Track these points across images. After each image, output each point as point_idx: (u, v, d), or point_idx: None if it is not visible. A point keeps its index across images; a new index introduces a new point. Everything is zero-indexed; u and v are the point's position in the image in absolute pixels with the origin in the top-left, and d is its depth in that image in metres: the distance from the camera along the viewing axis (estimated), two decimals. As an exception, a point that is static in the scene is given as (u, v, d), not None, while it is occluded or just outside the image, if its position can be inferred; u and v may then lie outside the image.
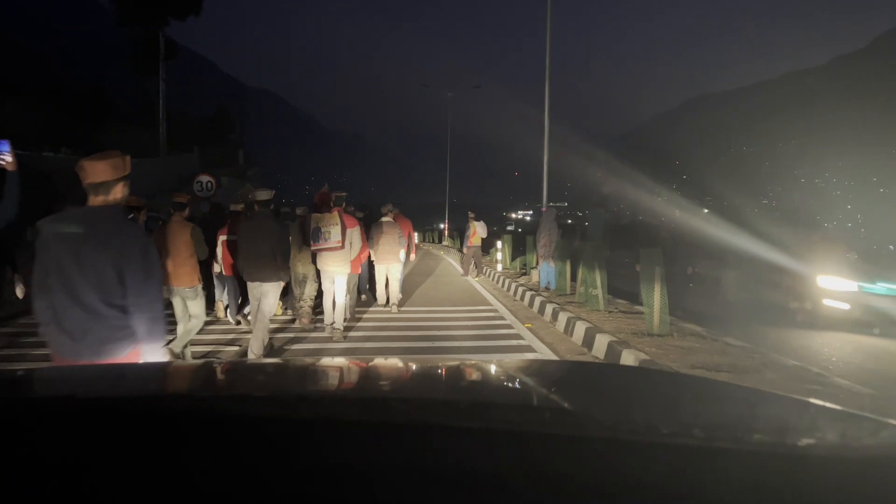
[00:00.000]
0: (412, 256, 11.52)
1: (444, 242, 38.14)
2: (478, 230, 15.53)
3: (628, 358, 5.76)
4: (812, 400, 1.12)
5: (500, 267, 16.71)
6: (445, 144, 42.35)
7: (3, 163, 3.28)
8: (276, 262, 6.13)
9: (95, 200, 2.56)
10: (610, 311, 8.72)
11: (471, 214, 15.85)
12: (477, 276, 16.06)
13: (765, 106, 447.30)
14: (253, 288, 6.37)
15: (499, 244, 17.27)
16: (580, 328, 7.60)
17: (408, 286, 14.09)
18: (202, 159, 34.80)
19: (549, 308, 9.44)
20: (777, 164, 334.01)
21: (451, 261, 24.03)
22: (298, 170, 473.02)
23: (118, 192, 2.60)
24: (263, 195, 6.37)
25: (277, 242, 6.15)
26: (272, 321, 7.26)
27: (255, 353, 6.21)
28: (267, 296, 6.23)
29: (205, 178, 14.52)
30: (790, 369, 5.31)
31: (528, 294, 11.14)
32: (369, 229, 9.76)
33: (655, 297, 6.97)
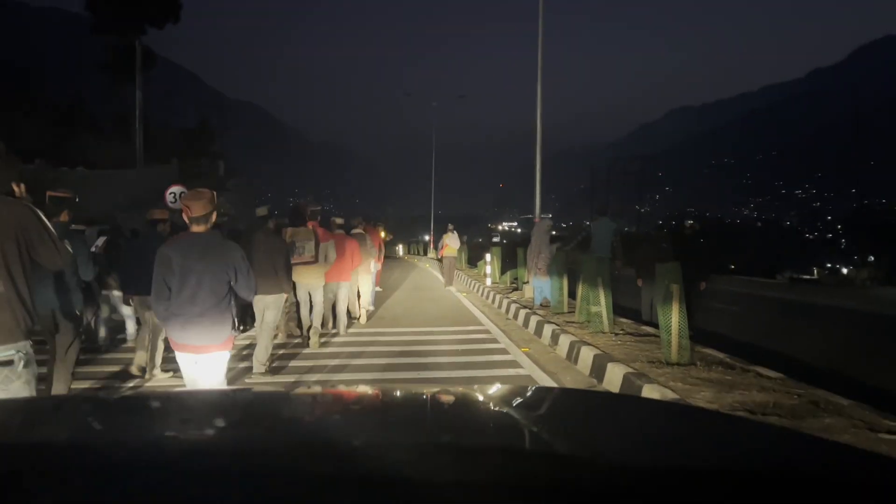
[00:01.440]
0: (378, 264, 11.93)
1: (430, 255, 37.31)
2: (448, 242, 16.90)
3: (651, 395, 4.86)
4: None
5: (489, 281, 15.80)
6: (431, 156, 41.66)
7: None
8: (278, 276, 6.43)
9: (198, 228, 3.61)
10: (616, 334, 7.83)
11: (450, 227, 17.31)
12: (449, 285, 16.87)
13: (744, 116, 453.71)
14: (257, 301, 6.37)
15: (487, 257, 16.38)
16: (586, 354, 6.69)
17: (391, 302, 13.20)
18: (182, 172, 33.91)
19: (547, 329, 8.53)
20: (756, 174, 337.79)
21: (437, 274, 23.07)
22: (283, 183, 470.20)
23: (212, 220, 3.67)
24: (261, 211, 6.80)
25: (277, 256, 6.48)
26: (246, 337, 7.92)
27: (260, 361, 6.35)
28: (270, 308, 6.44)
29: (177, 189, 14.18)
30: (846, 409, 4.43)
31: (523, 312, 10.23)
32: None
33: (674, 321, 6.09)
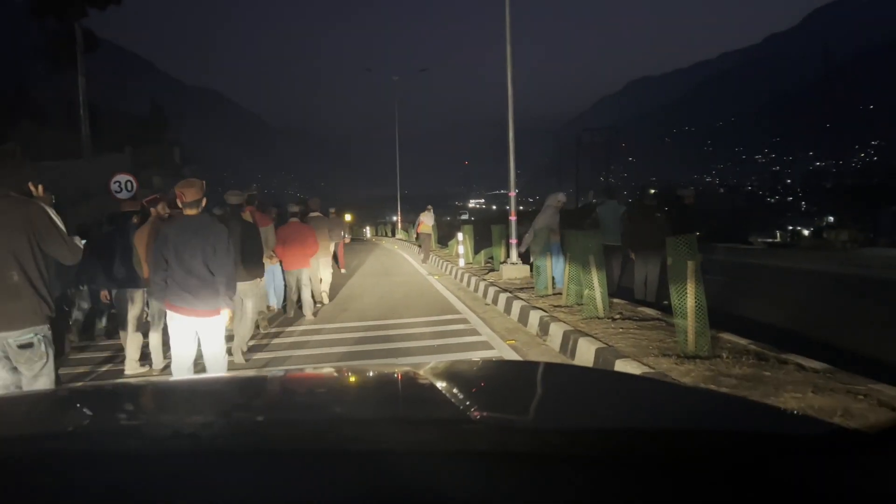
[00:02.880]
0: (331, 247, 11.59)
1: (398, 235, 36.08)
2: (423, 219, 18.48)
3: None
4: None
5: (462, 262, 14.73)
6: (395, 136, 40.20)
7: None
8: (251, 261, 6.41)
9: (191, 211, 4.25)
10: (614, 319, 6.82)
11: (428, 207, 18.72)
12: (424, 261, 17.86)
13: (702, 84, 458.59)
14: None
15: (459, 236, 15.27)
16: (586, 348, 5.65)
17: (357, 289, 12.06)
18: (134, 160, 32.08)
19: (533, 316, 7.50)
20: (717, 141, 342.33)
21: (405, 255, 21.83)
22: (243, 168, 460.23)
23: (202, 204, 4.31)
24: (233, 199, 6.68)
25: (250, 242, 6.47)
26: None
27: (240, 348, 6.38)
28: (247, 295, 6.45)
29: (123, 178, 12.85)
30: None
31: (503, 297, 9.18)
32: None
33: (690, 303, 5.09)
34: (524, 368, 2.09)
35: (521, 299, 8.59)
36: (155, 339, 5.98)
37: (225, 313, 4.32)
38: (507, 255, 12.00)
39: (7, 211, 3.09)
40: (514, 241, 11.67)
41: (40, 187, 3.28)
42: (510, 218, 11.87)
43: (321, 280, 10.12)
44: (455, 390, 1.18)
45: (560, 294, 8.81)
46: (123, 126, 42.45)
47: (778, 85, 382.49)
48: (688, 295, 5.11)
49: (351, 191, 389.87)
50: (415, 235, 19.40)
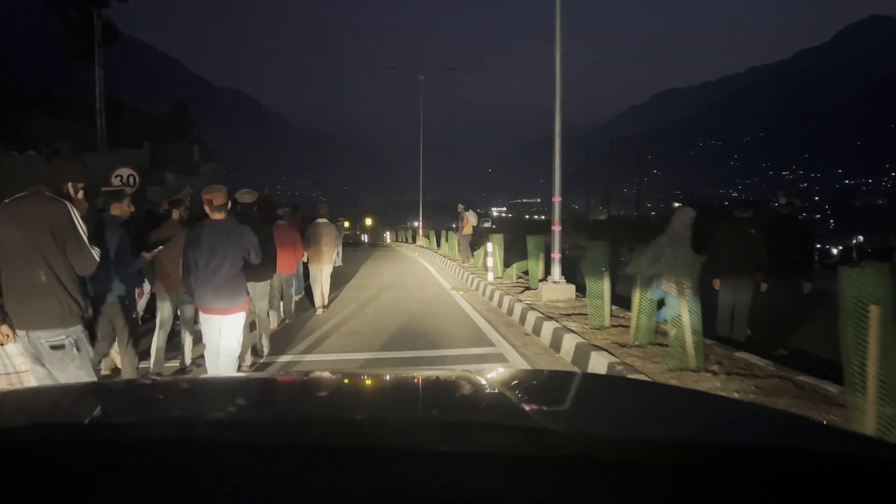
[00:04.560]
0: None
1: (419, 242, 34.40)
2: (470, 219, 17.35)
3: None
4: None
5: (490, 276, 12.91)
6: (419, 138, 38.54)
7: None
8: (263, 263, 5.85)
9: (219, 216, 4.51)
10: (713, 372, 4.98)
11: (461, 206, 17.74)
12: (465, 263, 17.22)
13: (730, 97, 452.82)
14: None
15: (488, 247, 13.41)
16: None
17: (367, 306, 10.29)
18: (154, 156, 31.08)
19: (596, 360, 5.65)
20: (744, 156, 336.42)
21: (426, 265, 19.99)
22: (268, 170, 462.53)
23: (228, 208, 4.58)
24: (245, 197, 6.57)
25: (263, 244, 5.74)
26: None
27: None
28: (256, 296, 6.36)
29: (125, 171, 12.01)
30: None
31: (548, 326, 7.35)
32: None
33: (871, 374, 3.25)
34: (563, 377, 1.89)
35: (573, 332, 6.78)
36: (162, 338, 5.80)
37: (242, 311, 4.67)
38: (548, 272, 10.20)
39: (34, 209, 3.06)
40: (556, 255, 9.88)
41: (80, 192, 3.24)
42: (553, 228, 9.96)
43: (322, 287, 9.72)
44: (505, 395, 1.24)
45: (621, 326, 7.00)
46: (147, 123, 41.63)
47: (807, 101, 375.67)
48: (869, 358, 3.29)
49: (376, 196, 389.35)
50: (460, 234, 18.18)
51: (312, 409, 1.20)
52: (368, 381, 1.55)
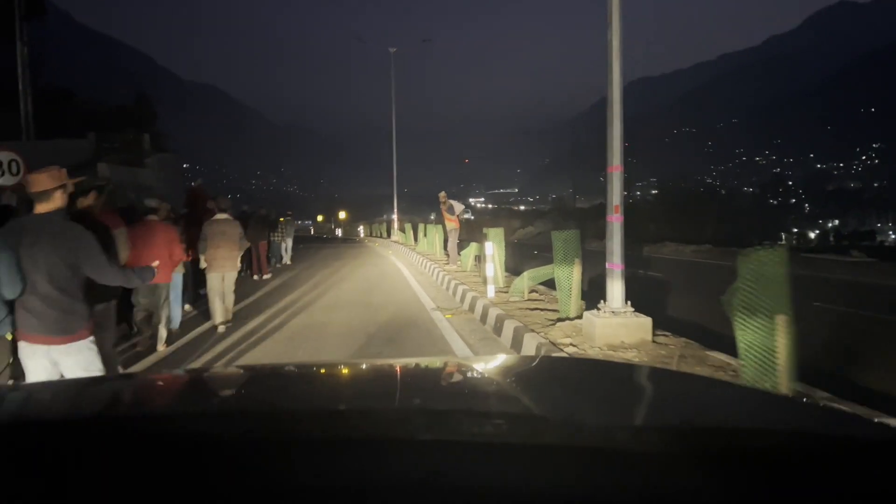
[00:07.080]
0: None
1: (394, 237, 32.59)
2: (456, 211, 14.59)
3: None
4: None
5: (491, 291, 9.17)
6: (392, 121, 36.79)
7: None
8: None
9: (41, 207, 3.28)
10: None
11: (443, 194, 14.85)
12: (450, 265, 14.34)
13: (703, 85, 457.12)
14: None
15: (487, 247, 9.83)
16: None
17: (307, 345, 7.27)
18: (102, 147, 28.96)
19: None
20: (717, 142, 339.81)
21: (401, 267, 16.44)
22: (242, 166, 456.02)
23: (58, 199, 3.24)
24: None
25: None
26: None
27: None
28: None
29: (5, 157, 9.84)
30: None
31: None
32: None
33: None
34: (549, 363, 1.93)
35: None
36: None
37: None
38: (606, 296, 6.07)
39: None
40: (618, 264, 5.97)
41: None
42: (609, 219, 6.05)
43: (224, 298, 8.03)
44: (491, 383, 1.23)
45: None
46: (101, 114, 39.36)
47: (778, 87, 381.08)
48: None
49: (352, 190, 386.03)
50: (438, 237, 16.38)
51: (298, 400, 1.18)
52: (354, 371, 1.56)
